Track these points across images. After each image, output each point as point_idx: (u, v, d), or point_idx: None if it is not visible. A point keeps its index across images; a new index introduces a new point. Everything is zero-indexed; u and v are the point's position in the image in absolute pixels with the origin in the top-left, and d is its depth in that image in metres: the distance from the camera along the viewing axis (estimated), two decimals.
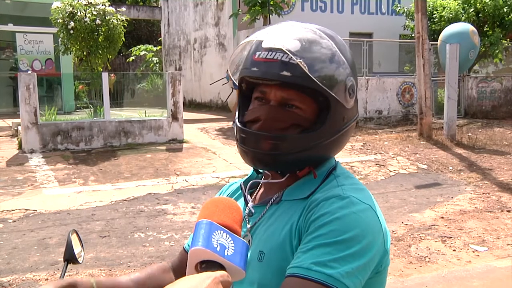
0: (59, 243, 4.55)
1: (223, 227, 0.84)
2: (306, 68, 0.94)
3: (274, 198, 1.06)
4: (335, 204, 0.94)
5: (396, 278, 3.91)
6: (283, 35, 0.98)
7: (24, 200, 5.87)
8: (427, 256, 4.35)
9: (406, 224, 5.20)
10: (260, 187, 1.14)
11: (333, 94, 0.97)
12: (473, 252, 4.48)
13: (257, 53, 0.99)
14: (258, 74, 0.99)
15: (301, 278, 0.87)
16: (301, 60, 0.94)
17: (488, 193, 6.47)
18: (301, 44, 0.96)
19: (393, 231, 4.94)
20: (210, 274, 0.76)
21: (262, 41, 0.99)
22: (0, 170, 7.12)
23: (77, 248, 1.25)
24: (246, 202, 1.11)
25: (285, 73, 0.95)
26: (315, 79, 0.94)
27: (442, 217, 5.45)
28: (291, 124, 1.00)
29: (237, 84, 1.09)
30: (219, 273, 0.77)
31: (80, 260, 1.26)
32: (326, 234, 0.90)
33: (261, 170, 1.13)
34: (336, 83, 0.98)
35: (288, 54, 0.94)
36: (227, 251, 0.81)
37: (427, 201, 6.11)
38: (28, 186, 6.45)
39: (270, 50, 0.97)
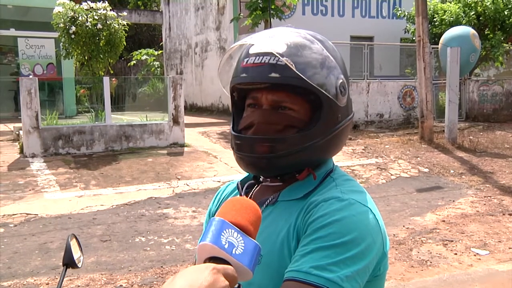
0: (60, 247, 4.54)
1: (235, 226, 0.83)
2: (293, 65, 0.94)
3: (270, 199, 1.05)
4: (334, 205, 0.93)
5: (397, 282, 3.90)
6: (270, 39, 0.99)
7: (25, 204, 5.88)
8: (428, 260, 4.34)
9: (408, 228, 5.19)
10: (257, 187, 1.13)
11: (323, 91, 0.98)
12: (475, 255, 4.47)
13: (246, 60, 1.00)
14: (248, 80, 1.00)
15: (300, 282, 0.86)
16: (287, 59, 0.95)
17: (490, 196, 6.46)
18: (287, 45, 0.97)
19: (394, 234, 4.93)
20: (209, 264, 0.75)
21: (250, 47, 1.01)
22: (1, 174, 7.13)
23: (76, 253, 1.26)
24: None
25: (273, 74, 0.96)
26: (303, 76, 0.94)
27: (444, 221, 5.44)
28: (285, 126, 1.00)
29: (229, 94, 1.09)
30: (222, 265, 0.75)
31: (79, 264, 1.26)
32: (325, 236, 0.89)
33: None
34: (325, 80, 0.98)
35: (276, 56, 0.95)
36: (236, 249, 0.80)
37: (428, 204, 6.09)
38: (30, 190, 6.45)
39: (257, 55, 0.98)
